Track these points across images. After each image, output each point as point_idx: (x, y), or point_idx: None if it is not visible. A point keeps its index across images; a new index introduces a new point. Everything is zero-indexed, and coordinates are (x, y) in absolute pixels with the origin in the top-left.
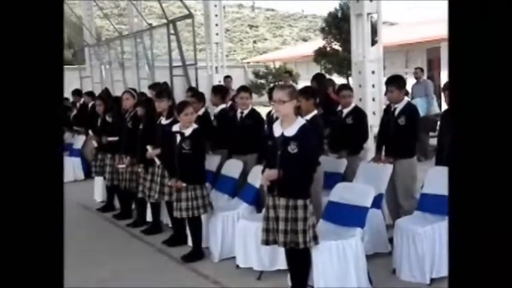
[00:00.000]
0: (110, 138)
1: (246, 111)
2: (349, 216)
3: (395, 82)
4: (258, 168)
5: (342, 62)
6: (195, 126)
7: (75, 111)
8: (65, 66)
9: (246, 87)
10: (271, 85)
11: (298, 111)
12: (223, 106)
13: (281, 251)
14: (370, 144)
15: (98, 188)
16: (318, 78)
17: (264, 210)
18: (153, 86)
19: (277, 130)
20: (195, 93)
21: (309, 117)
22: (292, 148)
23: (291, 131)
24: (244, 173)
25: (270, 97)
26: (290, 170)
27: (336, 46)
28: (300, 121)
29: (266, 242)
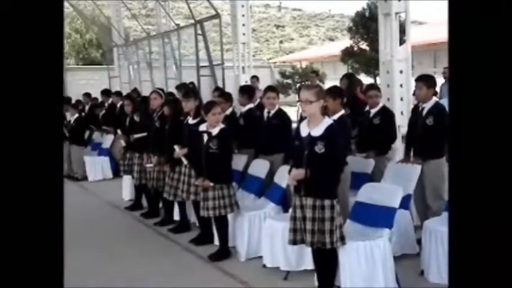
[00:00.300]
0: (137, 135)
1: (272, 111)
2: (376, 216)
3: (424, 79)
4: (285, 168)
5: (369, 61)
6: (222, 125)
7: (104, 111)
8: (94, 66)
9: (273, 87)
10: (298, 85)
11: (325, 111)
12: (250, 106)
13: (308, 251)
14: (398, 145)
15: (126, 187)
16: (349, 77)
17: (291, 210)
18: (180, 87)
19: (304, 130)
20: (222, 93)
21: (336, 117)
22: (319, 148)
23: (318, 131)
24: (271, 173)
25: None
26: (317, 170)
27: (364, 46)
28: (327, 121)
29: (293, 242)
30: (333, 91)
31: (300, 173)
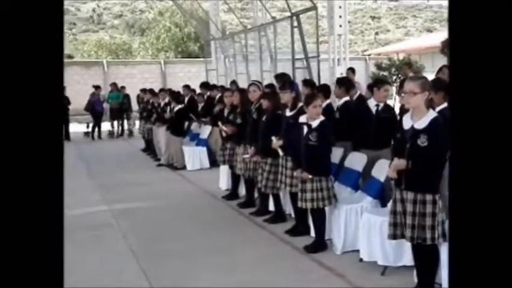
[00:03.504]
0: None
1: (381, 105)
2: None
3: None
4: (383, 161)
5: None
6: (322, 118)
7: (203, 103)
8: (192, 59)
9: (388, 81)
10: (394, 77)
11: (431, 104)
12: (346, 98)
13: (407, 247)
14: None
15: (223, 177)
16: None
17: (390, 203)
18: (279, 76)
19: (407, 122)
20: (310, 84)
21: (437, 110)
22: (422, 141)
23: (421, 123)
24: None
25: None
26: (419, 163)
27: None
28: (432, 114)
29: (394, 237)
30: (435, 84)
31: (401, 163)
